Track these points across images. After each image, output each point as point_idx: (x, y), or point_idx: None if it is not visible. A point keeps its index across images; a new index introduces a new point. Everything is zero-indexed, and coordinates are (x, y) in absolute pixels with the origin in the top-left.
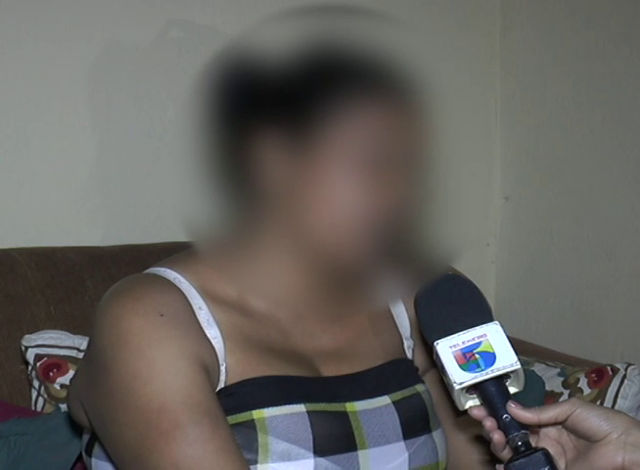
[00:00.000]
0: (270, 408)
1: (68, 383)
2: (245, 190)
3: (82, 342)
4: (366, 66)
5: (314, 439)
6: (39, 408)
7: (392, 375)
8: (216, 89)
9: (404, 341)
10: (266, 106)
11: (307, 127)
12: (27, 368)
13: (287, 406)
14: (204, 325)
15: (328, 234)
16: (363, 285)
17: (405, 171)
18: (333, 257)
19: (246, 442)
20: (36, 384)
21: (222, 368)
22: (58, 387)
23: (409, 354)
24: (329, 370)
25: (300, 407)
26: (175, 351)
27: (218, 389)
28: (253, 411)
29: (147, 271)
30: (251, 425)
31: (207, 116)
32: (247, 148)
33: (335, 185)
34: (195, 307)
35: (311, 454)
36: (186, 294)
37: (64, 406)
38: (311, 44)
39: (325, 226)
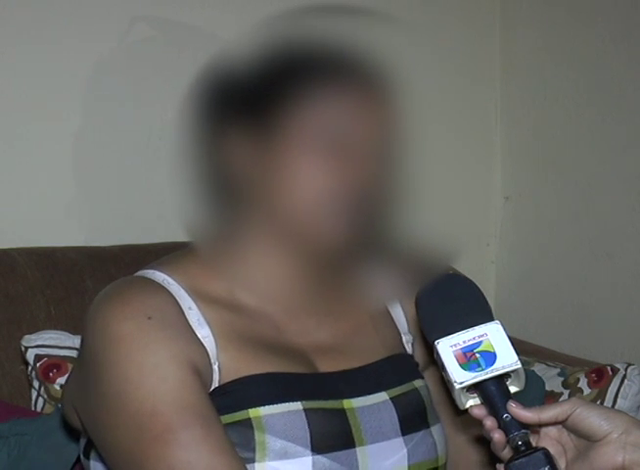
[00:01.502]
0: (266, 407)
1: None
2: (225, 188)
3: None
4: (323, 54)
5: (312, 436)
6: (39, 409)
7: (390, 371)
8: (197, 93)
9: (402, 336)
10: (231, 103)
11: (267, 117)
12: (27, 368)
13: (283, 404)
14: (194, 325)
15: (300, 215)
16: (350, 273)
17: (370, 153)
18: (310, 237)
19: (243, 440)
20: (36, 384)
21: (215, 367)
22: (57, 387)
23: (409, 349)
24: (326, 366)
25: (297, 405)
26: (165, 354)
27: (213, 388)
28: (250, 410)
29: (136, 274)
30: (247, 424)
31: (191, 118)
32: (219, 147)
33: (299, 169)
34: (184, 308)
35: (309, 452)
36: (175, 295)
37: None
38: (272, 37)
39: (297, 208)
